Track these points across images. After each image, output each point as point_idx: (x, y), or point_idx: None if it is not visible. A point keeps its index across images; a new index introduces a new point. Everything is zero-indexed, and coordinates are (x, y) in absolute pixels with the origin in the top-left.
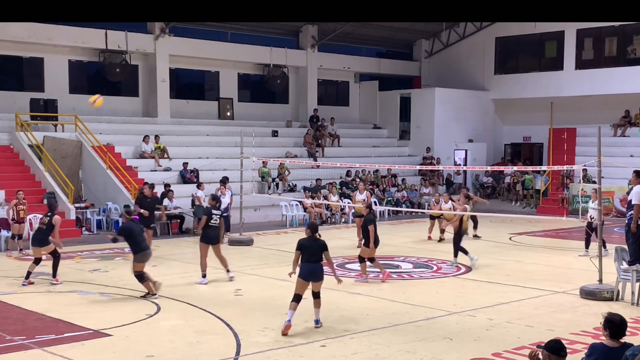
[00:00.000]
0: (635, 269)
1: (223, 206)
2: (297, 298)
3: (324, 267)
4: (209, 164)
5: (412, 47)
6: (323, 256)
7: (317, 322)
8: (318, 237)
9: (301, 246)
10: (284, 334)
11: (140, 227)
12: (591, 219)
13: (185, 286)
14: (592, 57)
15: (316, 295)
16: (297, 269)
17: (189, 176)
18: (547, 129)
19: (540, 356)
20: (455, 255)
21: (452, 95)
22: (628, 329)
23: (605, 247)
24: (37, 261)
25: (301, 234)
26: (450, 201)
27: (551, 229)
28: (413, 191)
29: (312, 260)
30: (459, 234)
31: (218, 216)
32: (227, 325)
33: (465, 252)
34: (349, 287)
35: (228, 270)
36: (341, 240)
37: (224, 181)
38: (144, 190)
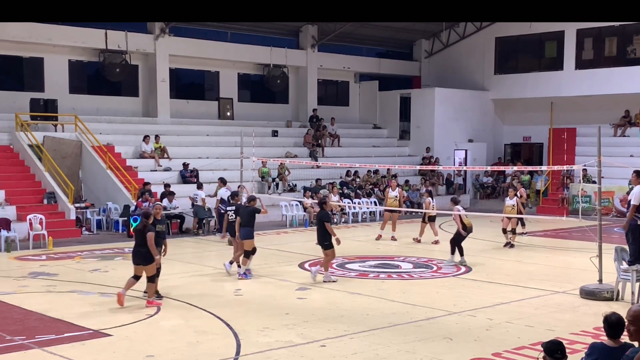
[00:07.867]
0: (635, 269)
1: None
2: None
3: None
4: (209, 164)
5: (412, 47)
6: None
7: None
8: None
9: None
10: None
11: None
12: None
13: (185, 286)
14: (592, 57)
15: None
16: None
17: (188, 176)
18: (547, 129)
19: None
20: (461, 254)
21: (452, 95)
22: None
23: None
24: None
25: (301, 233)
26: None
27: (551, 229)
28: (414, 191)
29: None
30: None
31: (232, 211)
32: (227, 325)
33: (456, 252)
34: (349, 287)
35: (233, 263)
36: (341, 241)
37: (223, 181)
38: None
